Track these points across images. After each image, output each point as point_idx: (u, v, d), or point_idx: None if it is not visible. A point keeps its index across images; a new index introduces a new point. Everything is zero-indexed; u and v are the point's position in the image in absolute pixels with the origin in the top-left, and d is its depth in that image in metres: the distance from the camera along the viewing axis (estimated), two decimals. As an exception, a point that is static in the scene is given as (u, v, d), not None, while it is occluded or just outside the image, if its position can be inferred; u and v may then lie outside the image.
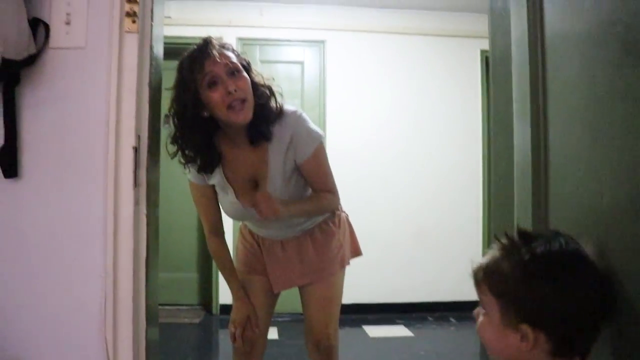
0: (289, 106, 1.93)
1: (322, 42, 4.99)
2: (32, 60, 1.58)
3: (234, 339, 2.07)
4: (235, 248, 2.28)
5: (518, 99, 1.39)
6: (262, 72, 1.91)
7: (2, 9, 1.43)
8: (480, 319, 1.04)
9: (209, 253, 2.16)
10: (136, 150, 1.63)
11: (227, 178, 1.94)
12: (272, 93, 1.88)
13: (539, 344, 0.93)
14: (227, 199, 1.97)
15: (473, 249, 4.91)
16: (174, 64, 1.91)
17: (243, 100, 1.76)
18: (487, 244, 4.87)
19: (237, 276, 2.11)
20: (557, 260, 0.96)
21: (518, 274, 0.95)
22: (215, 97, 1.74)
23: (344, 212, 2.21)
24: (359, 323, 4.53)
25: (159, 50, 1.79)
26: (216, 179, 1.95)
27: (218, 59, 1.74)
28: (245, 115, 1.77)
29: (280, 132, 1.87)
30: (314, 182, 1.97)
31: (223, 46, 1.81)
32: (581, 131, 1.10)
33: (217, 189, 2.00)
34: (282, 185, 1.91)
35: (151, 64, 1.69)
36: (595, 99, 1.04)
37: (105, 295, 1.59)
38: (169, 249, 4.36)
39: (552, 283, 0.93)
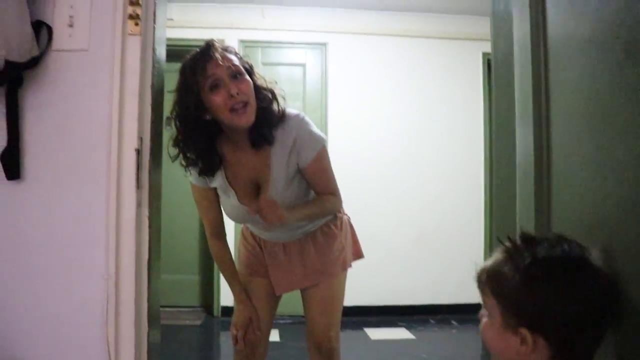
0: (291, 109, 1.93)
1: (324, 44, 4.99)
2: (35, 62, 1.58)
3: (235, 341, 2.07)
4: (237, 250, 2.28)
5: (520, 101, 1.39)
6: (265, 75, 1.91)
7: (6, 11, 1.44)
8: (484, 320, 1.05)
9: (210, 255, 2.16)
10: (138, 152, 1.63)
11: (229, 181, 1.94)
12: (275, 96, 1.88)
13: (538, 348, 0.93)
14: (229, 201, 1.97)
15: (474, 252, 4.92)
16: (175, 66, 1.91)
17: (245, 103, 1.75)
18: (488, 246, 4.88)
19: (239, 279, 2.11)
20: (557, 265, 0.95)
21: (518, 277, 0.95)
22: (218, 100, 1.74)
23: (346, 214, 2.21)
24: (360, 325, 4.52)
25: (162, 52, 1.79)
26: (218, 181, 1.95)
27: (220, 62, 1.74)
28: (247, 118, 1.76)
29: (283, 136, 1.87)
30: (317, 185, 1.98)
31: (225, 49, 1.81)
32: (584, 133, 1.10)
33: (219, 191, 2.00)
34: (284, 188, 1.91)
35: (154, 67, 1.69)
36: (598, 102, 1.04)
37: (107, 297, 1.59)
38: (170, 250, 4.36)
39: (551, 288, 0.93)
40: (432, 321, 4.75)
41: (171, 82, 1.83)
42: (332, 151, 1.96)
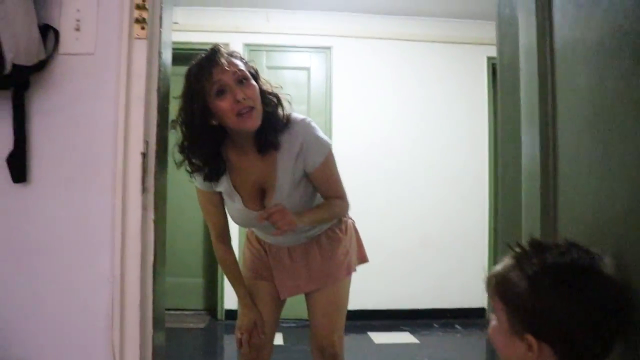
0: (297, 114, 1.93)
1: (329, 48, 5.00)
2: (41, 65, 1.59)
3: (240, 345, 2.07)
4: (242, 254, 2.28)
5: (526, 106, 1.39)
6: (270, 80, 1.91)
7: (13, 15, 1.45)
8: (492, 323, 1.05)
9: (215, 258, 2.17)
10: (144, 156, 1.63)
11: (234, 185, 1.94)
12: (280, 101, 1.88)
13: (544, 355, 0.93)
14: (234, 206, 1.98)
15: (478, 256, 4.91)
16: (180, 69, 1.91)
17: (251, 108, 1.75)
18: (492, 250, 4.87)
19: (243, 283, 2.11)
20: (565, 273, 0.94)
21: (526, 284, 0.95)
22: (224, 105, 1.74)
23: (351, 218, 2.21)
24: (364, 329, 4.52)
25: (167, 56, 1.80)
26: (223, 186, 1.95)
27: (226, 67, 1.74)
28: (253, 122, 1.76)
29: (289, 141, 1.87)
30: (324, 190, 1.98)
31: (231, 54, 1.81)
32: (591, 138, 1.10)
33: (224, 196, 2.00)
34: (290, 193, 1.91)
35: (160, 70, 1.70)
36: (606, 106, 1.04)
37: (113, 300, 1.60)
38: (174, 254, 4.37)
39: (558, 296, 0.92)
40: (435, 325, 4.74)
41: (176, 85, 1.83)
42: (336, 155, 1.96)
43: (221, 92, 1.74)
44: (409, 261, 4.91)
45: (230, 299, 4.66)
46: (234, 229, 2.19)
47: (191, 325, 4.64)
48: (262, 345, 2.09)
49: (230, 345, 4.31)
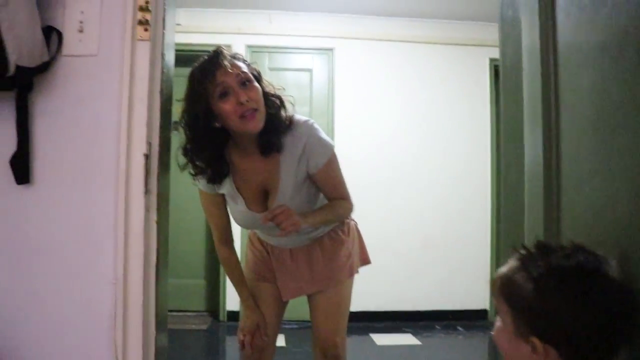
0: (299, 116, 1.93)
1: (331, 49, 5.00)
2: (45, 67, 1.59)
3: (243, 346, 2.07)
4: (245, 255, 2.28)
5: (529, 107, 1.39)
6: (272, 82, 1.91)
7: (17, 17, 1.45)
8: (497, 324, 1.05)
9: (217, 260, 2.17)
10: (147, 157, 1.63)
11: (237, 187, 1.95)
12: (283, 103, 1.88)
13: (549, 357, 0.93)
14: (237, 208, 1.98)
15: (481, 258, 4.91)
16: (182, 71, 1.92)
17: (255, 110, 1.75)
18: (495, 253, 4.87)
19: (246, 284, 2.11)
20: (571, 276, 0.94)
21: (531, 286, 0.95)
22: (227, 107, 1.74)
23: (353, 220, 2.21)
24: (366, 331, 4.51)
25: (170, 58, 1.80)
26: (226, 188, 1.95)
27: (229, 70, 1.74)
28: (256, 123, 1.77)
29: (292, 142, 1.87)
30: (327, 191, 1.98)
31: (234, 56, 1.81)
32: (594, 140, 1.10)
33: (227, 197, 2.00)
34: (293, 194, 1.91)
35: (162, 72, 1.70)
36: (609, 109, 1.04)
37: (116, 301, 1.60)
38: (176, 255, 4.36)
39: (563, 299, 0.92)
40: (437, 327, 4.74)
41: (177, 86, 1.83)
42: (338, 156, 1.96)
43: (224, 95, 1.74)
44: (411, 263, 4.91)
45: (232, 300, 4.67)
46: (236, 230, 2.20)
47: (193, 327, 4.64)
48: (264, 346, 2.09)
49: (232, 347, 4.31)
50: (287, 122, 1.88)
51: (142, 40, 1.65)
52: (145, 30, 1.65)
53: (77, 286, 1.62)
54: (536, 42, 1.32)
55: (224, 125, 1.80)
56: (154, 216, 1.66)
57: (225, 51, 1.80)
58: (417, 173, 4.98)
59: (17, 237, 1.62)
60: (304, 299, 2.17)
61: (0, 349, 1.59)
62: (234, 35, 4.81)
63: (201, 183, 1.95)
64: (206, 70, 1.76)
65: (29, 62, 1.51)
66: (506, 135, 1.71)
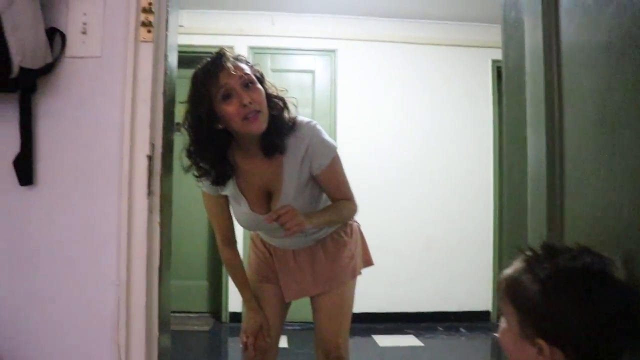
0: (302, 117, 1.93)
1: (333, 51, 5.00)
2: (48, 69, 1.59)
3: (245, 348, 2.07)
4: (247, 256, 2.28)
5: (532, 109, 1.39)
6: (275, 83, 1.91)
7: (21, 19, 1.45)
8: (502, 325, 1.04)
9: (219, 261, 2.17)
10: (150, 158, 1.64)
11: (240, 189, 1.95)
12: (286, 104, 1.88)
13: (555, 359, 0.93)
14: (240, 209, 1.98)
15: (483, 259, 4.91)
16: (185, 72, 1.92)
17: (257, 112, 1.75)
18: (497, 254, 4.87)
19: (249, 286, 2.11)
20: (577, 278, 0.93)
21: (537, 288, 0.94)
22: (230, 109, 1.74)
23: (356, 221, 2.21)
24: (368, 332, 4.51)
25: (173, 59, 1.80)
26: (229, 189, 1.95)
27: (232, 72, 1.74)
28: (259, 125, 1.77)
29: (295, 144, 1.87)
30: (331, 192, 1.98)
31: (237, 58, 1.81)
32: (598, 142, 1.10)
33: (230, 199, 2.00)
34: (296, 196, 1.91)
35: (165, 73, 1.70)
36: (613, 110, 1.04)
37: (119, 303, 1.60)
38: (179, 256, 4.35)
39: (570, 300, 0.91)
40: (440, 328, 4.73)
41: (180, 88, 1.84)
42: (341, 158, 1.96)
43: (227, 97, 1.74)
44: (413, 264, 4.91)
45: (234, 301, 4.67)
46: (238, 232, 2.20)
47: (196, 328, 4.64)
48: (267, 348, 2.09)
49: (234, 348, 4.31)
50: (290, 124, 1.87)
51: (145, 41, 1.65)
52: (149, 31, 1.65)
53: (80, 287, 1.62)
54: (539, 44, 1.32)
55: (226, 127, 1.80)
56: (157, 218, 1.66)
57: (228, 53, 1.80)
58: (420, 174, 4.98)
59: (20, 238, 1.62)
60: (306, 300, 2.16)
61: (2, 349, 1.59)
62: (236, 36, 4.81)
63: (205, 185, 1.95)
64: (209, 72, 1.76)
65: (32, 63, 1.51)
66: (509, 137, 1.71)
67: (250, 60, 1.89)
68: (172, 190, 1.82)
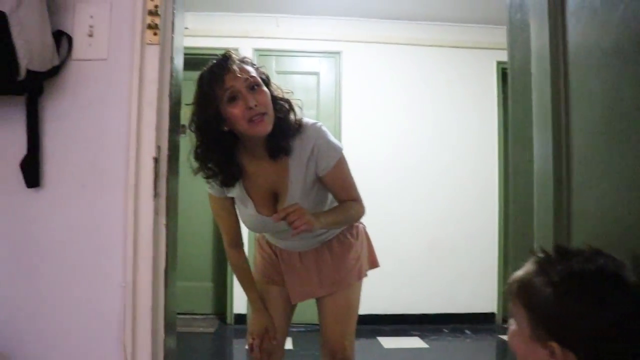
0: (308, 119, 1.93)
1: (338, 53, 5.00)
2: (55, 71, 1.60)
3: (252, 349, 2.07)
4: (253, 258, 2.29)
5: (538, 111, 1.39)
6: (281, 86, 1.91)
7: (29, 22, 1.46)
8: (512, 328, 1.04)
9: (224, 262, 2.18)
10: (156, 160, 1.64)
11: (246, 191, 1.95)
12: (291, 106, 1.88)
13: None
14: (246, 211, 1.98)
15: (488, 261, 4.90)
16: (190, 74, 1.92)
17: (263, 114, 1.75)
18: (502, 256, 4.86)
19: (255, 288, 2.11)
20: (592, 280, 0.93)
21: (550, 290, 0.94)
22: (236, 112, 1.74)
23: (362, 223, 2.21)
24: (373, 334, 4.51)
25: (179, 61, 1.80)
26: (236, 191, 1.95)
27: (238, 74, 1.74)
28: (264, 127, 1.77)
29: (300, 146, 1.87)
30: (337, 193, 1.97)
31: (243, 60, 1.81)
32: (607, 144, 1.10)
33: (237, 201, 2.00)
34: (302, 197, 1.91)
35: (171, 76, 1.70)
36: (621, 112, 1.03)
37: (125, 305, 1.60)
38: (184, 258, 4.35)
39: (584, 303, 0.91)
40: (445, 330, 4.72)
41: (185, 90, 1.84)
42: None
43: (233, 99, 1.74)
44: (418, 266, 4.90)
45: (239, 303, 4.67)
46: (244, 233, 2.20)
47: (200, 330, 4.64)
48: (273, 350, 2.09)
49: (239, 350, 4.31)
50: (296, 126, 1.88)
51: (151, 44, 1.66)
52: (155, 34, 1.66)
53: (86, 289, 1.63)
54: (546, 46, 1.32)
55: (232, 129, 1.80)
56: (163, 219, 1.67)
57: (234, 55, 1.80)
58: (424, 176, 4.97)
59: (27, 240, 1.63)
60: (311, 302, 2.17)
61: (11, 350, 1.59)
62: (241, 39, 4.82)
63: (214, 186, 1.95)
64: (215, 74, 1.76)
65: (39, 66, 1.52)
66: (514, 138, 1.71)
67: (255, 63, 1.89)
68: (177, 192, 1.82)
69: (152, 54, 1.66)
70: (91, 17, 1.66)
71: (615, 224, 1.06)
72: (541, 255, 1.00)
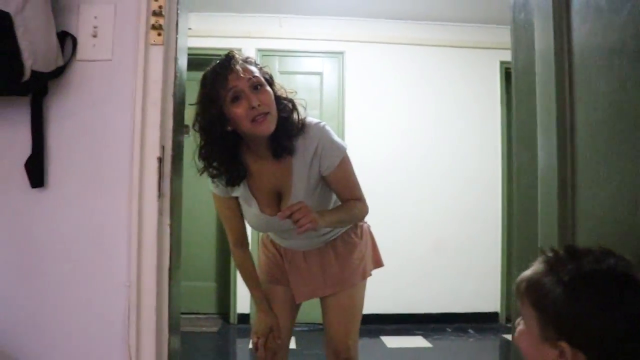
0: (311, 118, 1.93)
1: (341, 53, 5.01)
2: (59, 72, 1.60)
3: (256, 349, 2.08)
4: (257, 258, 2.29)
5: (543, 110, 1.39)
6: (284, 85, 1.92)
7: (32, 23, 1.46)
8: (520, 327, 1.03)
9: (228, 262, 2.18)
10: (160, 161, 1.64)
11: (251, 190, 1.95)
12: (295, 106, 1.89)
13: None
14: (250, 210, 1.98)
15: (492, 261, 4.90)
16: (193, 74, 1.92)
17: (266, 114, 1.76)
18: (506, 256, 4.85)
19: (260, 287, 2.12)
20: (603, 280, 0.92)
21: (560, 290, 0.93)
22: (239, 112, 1.75)
23: (366, 222, 2.22)
24: (377, 333, 4.51)
25: (183, 62, 1.80)
26: (240, 191, 1.96)
27: (242, 74, 1.75)
28: (267, 126, 1.77)
29: (304, 145, 1.87)
30: (341, 193, 1.98)
31: (246, 60, 1.82)
32: (612, 144, 1.09)
33: (241, 201, 2.00)
34: (306, 197, 1.91)
35: (175, 76, 1.70)
36: (627, 113, 1.03)
37: (129, 305, 1.60)
38: (187, 257, 4.37)
39: (595, 303, 0.90)
40: (449, 329, 4.73)
41: (189, 90, 1.84)
42: (349, 159, 1.96)
43: (236, 99, 1.75)
44: (422, 265, 4.90)
45: (243, 303, 4.67)
46: (248, 233, 2.20)
47: (204, 329, 4.65)
48: (277, 349, 2.10)
49: (243, 349, 4.32)
50: (299, 125, 1.88)
51: (155, 44, 1.66)
52: (159, 34, 1.66)
53: (90, 289, 1.63)
54: (550, 46, 1.31)
55: (236, 129, 1.81)
56: (167, 219, 1.67)
57: (237, 55, 1.81)
58: (428, 175, 4.97)
59: (31, 240, 1.63)
60: (314, 301, 2.17)
61: (15, 350, 1.60)
62: (244, 39, 4.83)
63: (219, 185, 1.96)
64: (218, 74, 1.76)
65: (44, 67, 1.52)
66: (518, 138, 1.71)
67: (259, 63, 1.89)
68: (181, 192, 1.82)
69: (156, 55, 1.66)
70: (95, 17, 1.66)
71: (622, 226, 1.06)
72: (550, 254, 0.99)
